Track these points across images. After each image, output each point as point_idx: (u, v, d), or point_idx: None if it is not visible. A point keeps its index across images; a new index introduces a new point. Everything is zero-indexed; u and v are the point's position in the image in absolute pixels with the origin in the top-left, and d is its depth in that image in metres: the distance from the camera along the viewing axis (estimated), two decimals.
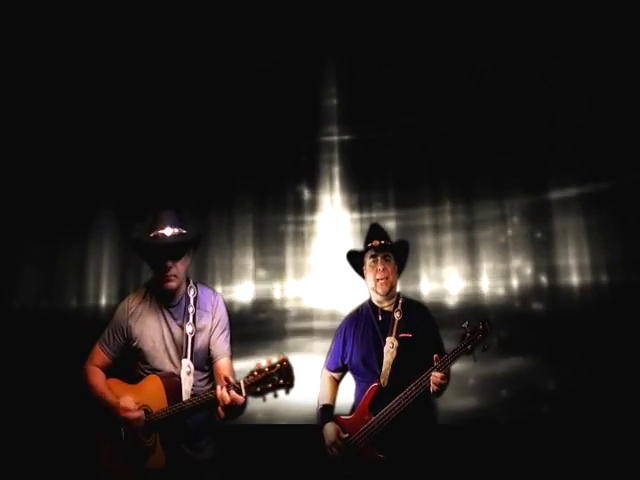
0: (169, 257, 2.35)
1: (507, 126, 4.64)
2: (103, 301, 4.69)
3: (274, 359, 2.07)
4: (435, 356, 2.50)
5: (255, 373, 2.05)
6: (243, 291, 4.78)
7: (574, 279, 4.43)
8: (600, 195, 4.42)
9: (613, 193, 4.35)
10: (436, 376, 2.45)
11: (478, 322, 2.51)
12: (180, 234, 2.38)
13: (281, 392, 2.03)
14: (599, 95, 4.28)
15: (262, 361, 2.08)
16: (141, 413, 2.30)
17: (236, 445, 3.07)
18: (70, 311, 4.61)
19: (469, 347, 2.47)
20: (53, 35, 4.29)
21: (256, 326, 4.59)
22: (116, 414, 2.32)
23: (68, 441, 3.75)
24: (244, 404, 2.17)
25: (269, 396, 2.05)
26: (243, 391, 2.07)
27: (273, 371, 2.03)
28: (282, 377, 2.02)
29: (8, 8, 4.01)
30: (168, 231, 2.34)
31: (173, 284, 2.40)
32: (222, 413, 2.15)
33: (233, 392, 2.10)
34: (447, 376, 2.52)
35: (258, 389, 2.04)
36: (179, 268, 2.39)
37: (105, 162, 4.68)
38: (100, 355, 2.49)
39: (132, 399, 2.33)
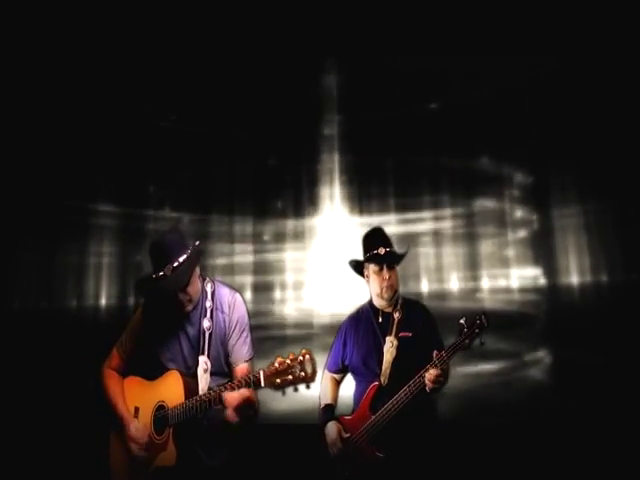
0: (178, 290, 2.29)
1: (508, 125, 4.65)
2: (103, 301, 4.70)
3: (296, 352, 1.97)
4: (435, 352, 2.49)
5: (276, 365, 1.96)
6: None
7: (574, 279, 4.43)
8: (600, 194, 4.42)
9: (613, 192, 4.35)
10: (431, 373, 2.44)
11: (475, 317, 2.51)
12: (180, 264, 2.27)
13: (301, 387, 1.93)
14: (602, 99, 4.27)
15: (283, 354, 1.98)
16: (145, 453, 2.27)
17: (250, 448, 3.03)
18: (70, 311, 4.61)
19: (467, 342, 2.47)
20: (46, 33, 4.25)
21: (255, 329, 4.59)
22: (124, 431, 2.33)
23: (68, 438, 3.77)
24: (255, 408, 2.12)
25: (289, 391, 1.95)
26: (262, 382, 1.98)
27: (295, 363, 1.93)
28: (304, 370, 1.91)
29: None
30: (168, 270, 2.25)
31: (190, 307, 2.37)
32: (232, 416, 2.07)
33: (242, 389, 2.03)
34: (445, 373, 2.53)
35: (278, 380, 1.94)
36: (191, 291, 2.34)
37: (105, 162, 4.68)
38: (116, 358, 2.49)
39: (143, 429, 2.31)
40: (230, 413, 2.08)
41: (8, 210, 4.39)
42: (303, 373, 1.92)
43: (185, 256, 2.28)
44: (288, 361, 1.95)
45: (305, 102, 4.90)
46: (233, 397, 2.07)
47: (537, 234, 4.60)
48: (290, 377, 1.93)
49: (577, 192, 4.48)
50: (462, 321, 2.50)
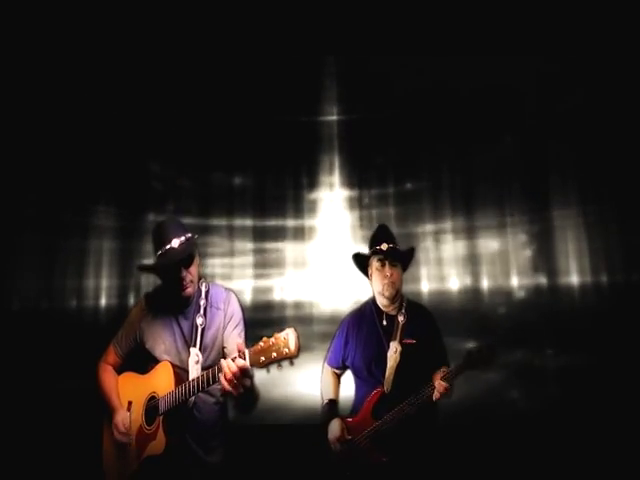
0: (183, 266, 2.36)
1: (507, 124, 4.65)
2: (103, 301, 4.70)
3: (281, 330, 2.01)
4: (443, 368, 2.51)
5: (261, 343, 2.00)
6: (243, 293, 4.78)
7: (574, 279, 4.44)
8: (600, 195, 4.42)
9: (613, 193, 4.36)
10: (441, 384, 2.47)
11: (483, 347, 2.52)
12: (187, 240, 2.39)
13: (285, 363, 1.97)
14: (603, 98, 4.27)
15: (269, 333, 2.02)
16: (129, 438, 2.36)
17: (246, 446, 3.05)
18: (70, 311, 4.61)
19: (468, 370, 2.50)
20: (46, 34, 4.23)
21: (254, 328, 4.60)
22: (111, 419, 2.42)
23: (67, 437, 3.78)
24: (251, 376, 2.12)
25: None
26: (248, 360, 2.01)
27: (279, 341, 1.97)
28: (287, 347, 1.95)
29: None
30: (175, 243, 2.35)
31: (190, 290, 2.42)
32: (227, 385, 2.03)
33: (240, 360, 2.03)
34: (451, 387, 2.55)
35: (262, 358, 1.98)
36: (193, 272, 2.42)
37: (104, 162, 4.67)
38: (112, 354, 2.57)
39: (128, 420, 2.39)
40: (225, 382, 2.06)
41: (8, 210, 4.38)
42: (287, 350, 1.95)
43: (190, 234, 2.41)
44: (273, 339, 1.99)
45: (305, 101, 4.90)
46: (230, 364, 2.05)
47: (537, 234, 4.60)
48: (274, 354, 1.96)
49: (577, 192, 4.48)
50: (470, 348, 2.52)
